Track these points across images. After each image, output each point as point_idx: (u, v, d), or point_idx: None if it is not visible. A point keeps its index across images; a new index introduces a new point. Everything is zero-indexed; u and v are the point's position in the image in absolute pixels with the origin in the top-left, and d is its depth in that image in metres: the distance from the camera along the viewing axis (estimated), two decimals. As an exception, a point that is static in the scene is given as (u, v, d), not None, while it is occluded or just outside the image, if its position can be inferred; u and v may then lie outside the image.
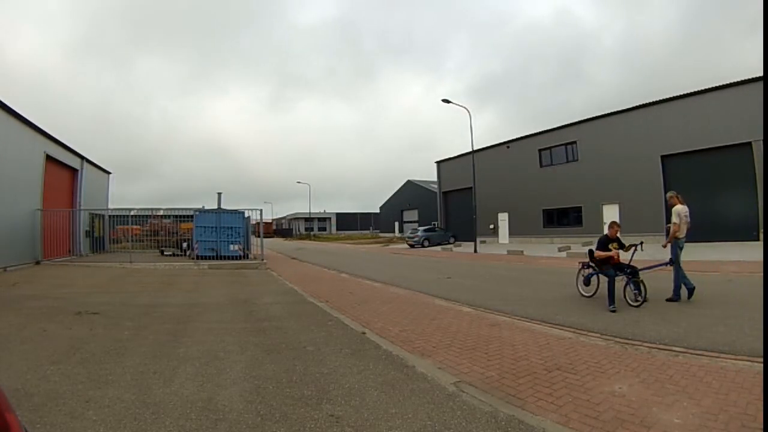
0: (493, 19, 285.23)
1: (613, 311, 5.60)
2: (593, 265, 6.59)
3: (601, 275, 6.47)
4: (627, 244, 6.33)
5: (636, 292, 5.77)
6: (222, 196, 18.24)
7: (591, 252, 6.64)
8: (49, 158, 14.51)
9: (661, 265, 6.06)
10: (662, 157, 18.05)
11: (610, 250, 6.20)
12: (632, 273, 5.89)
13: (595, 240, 21.69)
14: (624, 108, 20.09)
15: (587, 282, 6.77)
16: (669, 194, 6.53)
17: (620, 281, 6.00)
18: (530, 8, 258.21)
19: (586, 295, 6.70)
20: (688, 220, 6.23)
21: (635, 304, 5.75)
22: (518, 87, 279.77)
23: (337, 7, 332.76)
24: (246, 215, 17.75)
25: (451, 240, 26.62)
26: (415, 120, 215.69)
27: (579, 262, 7.08)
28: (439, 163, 33.02)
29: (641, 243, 6.45)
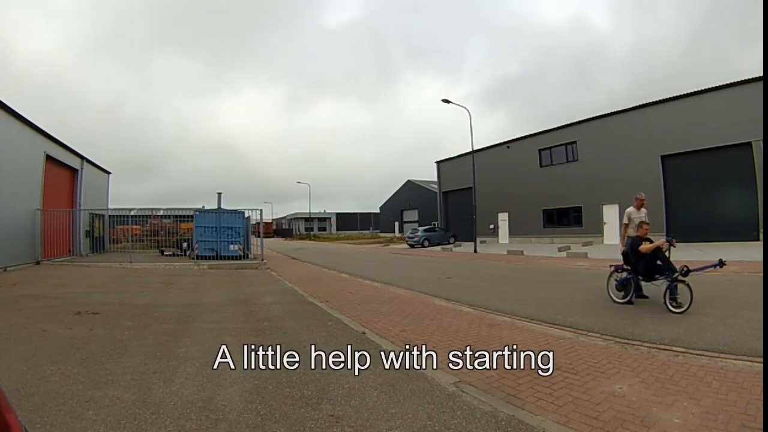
0: (510, 23, 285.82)
1: (630, 304, 5.71)
2: (628, 267, 6.07)
3: (635, 279, 5.97)
4: (655, 242, 5.78)
5: (678, 296, 5.26)
6: (222, 195, 18.24)
7: (625, 254, 6.16)
8: (49, 158, 14.50)
9: (711, 266, 5.44)
10: (662, 157, 18.06)
11: (642, 252, 5.72)
12: (673, 274, 5.34)
13: (595, 240, 21.61)
14: (624, 108, 20.09)
15: (621, 287, 6.14)
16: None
17: (660, 285, 5.62)
18: (547, 13, 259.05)
19: (620, 301, 6.07)
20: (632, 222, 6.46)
21: (678, 310, 5.18)
22: (531, 90, 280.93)
23: (362, 9, 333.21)
24: (246, 215, 17.76)
25: (452, 240, 26.61)
26: (427, 121, 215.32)
27: (610, 266, 6.50)
28: (439, 163, 33.02)
29: (673, 238, 5.98)
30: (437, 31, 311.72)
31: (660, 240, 5.84)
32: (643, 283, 6.09)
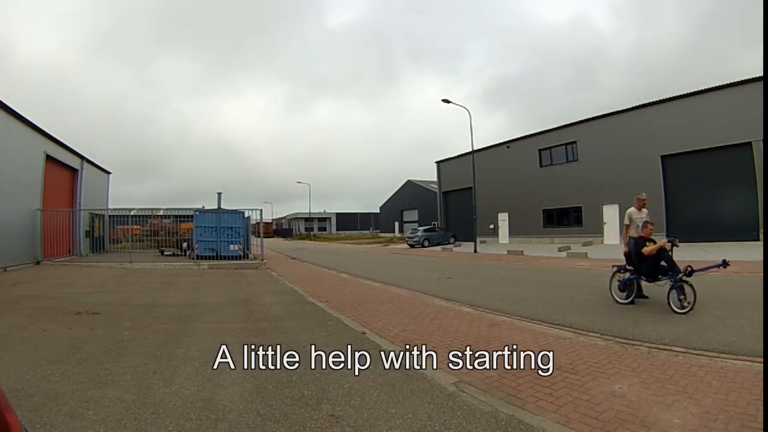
0: (511, 23, 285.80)
1: (631, 304, 5.80)
2: (631, 268, 6.06)
3: (637, 279, 5.98)
4: (657, 244, 5.76)
5: (682, 297, 5.22)
6: (222, 195, 18.24)
7: (628, 255, 6.14)
8: (49, 158, 14.50)
9: (715, 266, 5.41)
10: (662, 157, 18.06)
11: (645, 254, 5.71)
12: (677, 275, 5.33)
13: (595, 240, 21.61)
14: (624, 108, 20.09)
15: (623, 288, 6.13)
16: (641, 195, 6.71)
17: (663, 285, 5.60)
18: (548, 14, 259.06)
19: (622, 301, 6.06)
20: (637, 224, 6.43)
21: (682, 311, 5.16)
22: (532, 90, 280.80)
23: (363, 9, 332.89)
24: (246, 215, 17.76)
25: (452, 240, 26.61)
26: (428, 121, 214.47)
27: (613, 266, 6.51)
28: (439, 163, 33.03)
29: (675, 238, 5.96)
30: (439, 32, 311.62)
31: (662, 240, 5.82)
32: (644, 284, 6.08)
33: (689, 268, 5.30)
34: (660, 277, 5.68)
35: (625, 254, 6.35)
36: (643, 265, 5.80)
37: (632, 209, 6.60)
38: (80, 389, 3.09)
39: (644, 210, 6.62)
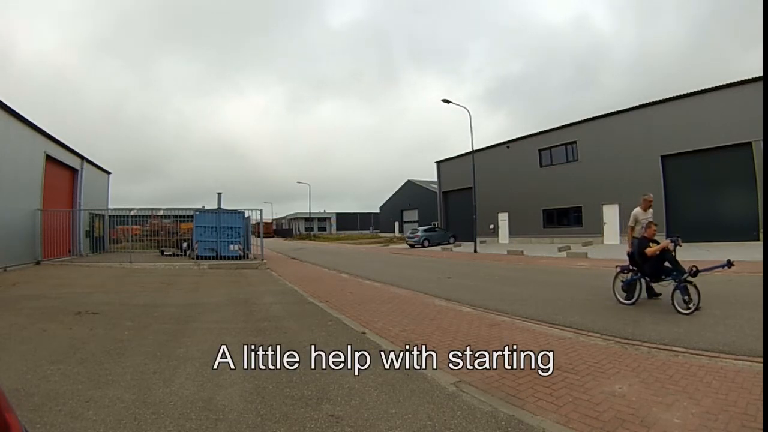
0: (512, 23, 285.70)
1: (631, 304, 5.78)
2: (634, 268, 6.03)
3: (642, 280, 5.98)
4: (660, 244, 5.75)
5: (686, 297, 5.18)
6: (223, 195, 18.24)
7: (631, 255, 6.11)
8: (49, 158, 14.51)
9: (720, 266, 5.38)
10: (662, 157, 18.05)
11: (649, 255, 5.71)
12: (681, 275, 5.30)
13: (595, 240, 21.59)
14: (624, 108, 20.09)
15: (626, 288, 6.08)
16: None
17: (667, 286, 5.61)
18: (549, 15, 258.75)
19: (626, 302, 6.00)
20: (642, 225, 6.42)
21: (686, 311, 5.12)
22: (532, 91, 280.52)
23: (365, 10, 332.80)
24: (246, 215, 17.76)
25: (452, 240, 26.61)
26: (429, 121, 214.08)
27: (616, 266, 6.46)
28: (439, 163, 33.03)
29: (678, 238, 5.91)
30: (439, 31, 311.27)
31: (665, 241, 5.80)
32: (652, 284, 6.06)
33: (694, 269, 5.28)
34: (664, 277, 5.67)
35: (628, 254, 6.31)
36: (647, 265, 5.79)
37: (638, 210, 6.54)
38: (80, 389, 3.09)
39: (650, 210, 6.57)
